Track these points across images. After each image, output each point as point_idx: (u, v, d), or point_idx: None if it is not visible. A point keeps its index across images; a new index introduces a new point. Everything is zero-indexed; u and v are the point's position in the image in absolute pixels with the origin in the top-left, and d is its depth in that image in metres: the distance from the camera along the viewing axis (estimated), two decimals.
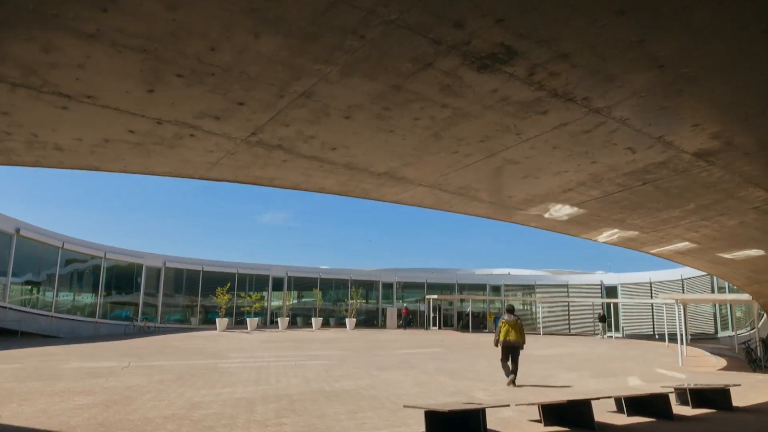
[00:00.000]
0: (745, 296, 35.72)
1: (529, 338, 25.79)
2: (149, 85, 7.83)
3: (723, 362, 36.11)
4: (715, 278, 51.08)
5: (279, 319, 63.89)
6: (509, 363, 23.75)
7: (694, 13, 6.20)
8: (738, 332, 47.52)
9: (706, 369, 32.80)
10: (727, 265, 25.52)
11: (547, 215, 15.68)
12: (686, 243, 19.56)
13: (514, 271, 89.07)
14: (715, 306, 55.58)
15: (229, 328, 58.16)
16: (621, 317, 67.85)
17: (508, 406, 16.79)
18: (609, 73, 7.62)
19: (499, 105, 8.72)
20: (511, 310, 24.53)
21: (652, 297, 63.66)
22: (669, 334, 50.05)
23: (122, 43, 6.66)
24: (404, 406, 16.97)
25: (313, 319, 65.47)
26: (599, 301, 68.91)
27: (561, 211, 15.41)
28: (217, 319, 57.78)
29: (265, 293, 68.71)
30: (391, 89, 8.15)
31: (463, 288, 78.71)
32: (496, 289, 78.40)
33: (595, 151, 10.92)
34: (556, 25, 6.44)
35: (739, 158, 11.21)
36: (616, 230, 18.17)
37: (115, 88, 7.88)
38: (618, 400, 18.31)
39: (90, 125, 9.30)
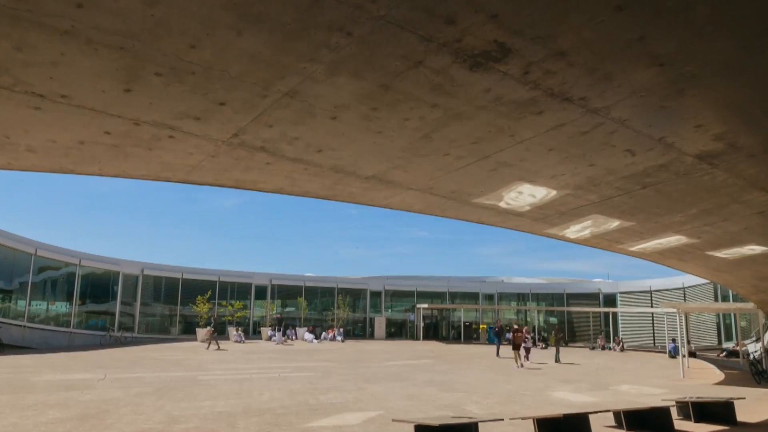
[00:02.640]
0: (750, 305, 35.78)
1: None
2: (126, 85, 7.79)
3: (726, 374, 36.20)
4: (718, 287, 51.12)
5: (262, 329, 63.79)
6: None
7: (696, 9, 6.20)
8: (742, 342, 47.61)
9: (709, 381, 32.88)
10: (732, 273, 25.52)
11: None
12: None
13: (508, 279, 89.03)
14: (718, 316, 55.62)
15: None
16: (620, 327, 67.82)
17: (502, 420, 16.82)
18: (607, 72, 7.62)
19: (493, 105, 8.71)
20: None
21: (652, 306, 63.68)
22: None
23: (98, 41, 6.63)
24: (393, 420, 16.97)
25: (297, 329, 65.33)
26: (597, 309, 68.94)
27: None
28: (197, 329, 57.61)
29: (247, 302, 68.54)
30: (379, 88, 8.13)
31: (454, 296, 78.59)
32: (489, 298, 78.31)
33: (593, 153, 10.92)
34: (552, 22, 6.44)
35: (743, 160, 11.22)
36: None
37: (91, 87, 7.85)
38: (617, 414, 18.36)
39: (64, 126, 9.26)
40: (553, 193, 13.63)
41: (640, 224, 16.47)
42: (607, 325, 66.72)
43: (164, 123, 9.16)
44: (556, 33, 6.62)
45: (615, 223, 16.70)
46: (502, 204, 14.61)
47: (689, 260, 22.78)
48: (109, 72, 7.38)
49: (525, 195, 13.86)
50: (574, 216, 15.81)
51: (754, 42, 6.80)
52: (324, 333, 65.99)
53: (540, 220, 16.63)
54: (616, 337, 63.24)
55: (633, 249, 20.69)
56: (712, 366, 40.72)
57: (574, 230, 17.83)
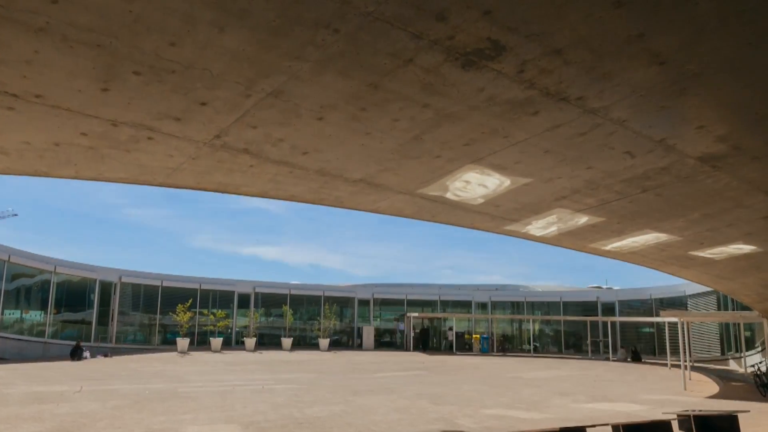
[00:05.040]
0: (754, 314, 35.81)
1: (518, 360, 25.71)
2: (103, 84, 7.77)
3: (730, 386, 36.25)
4: (721, 295, 51.07)
5: (245, 339, 63.50)
6: None
7: (698, 5, 6.20)
8: (747, 354, 47.53)
9: (711, 394, 32.91)
10: (736, 280, 25.54)
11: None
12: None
13: (502, 286, 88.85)
14: (721, 326, 55.54)
15: (190, 348, 57.79)
16: (619, 336, 67.71)
17: None
18: (605, 71, 7.63)
19: (486, 105, 8.71)
20: None
21: (653, 314, 63.55)
22: (671, 356, 50.12)
23: (74, 38, 6.61)
24: None
25: (282, 339, 65.16)
26: (596, 318, 68.78)
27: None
28: (178, 339, 57.31)
29: (230, 311, 68.17)
30: (367, 88, 8.13)
31: (446, 305, 78.38)
32: (482, 306, 78.09)
33: (591, 155, 10.92)
34: (548, 18, 6.44)
35: (747, 163, 11.24)
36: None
37: (67, 86, 7.83)
38: (615, 428, 18.33)
39: (39, 127, 9.23)
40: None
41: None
42: (606, 335, 66.49)
43: (143, 124, 9.13)
44: (552, 30, 6.62)
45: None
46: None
47: (691, 267, 22.79)
48: (85, 70, 7.36)
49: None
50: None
51: (761, 38, 6.81)
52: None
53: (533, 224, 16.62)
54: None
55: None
56: (714, 378, 40.74)
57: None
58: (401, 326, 75.03)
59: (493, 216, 15.64)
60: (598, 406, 26.50)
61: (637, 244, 19.30)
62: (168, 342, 61.02)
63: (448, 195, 13.80)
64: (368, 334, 71.22)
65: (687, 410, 21.12)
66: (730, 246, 18.96)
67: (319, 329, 68.78)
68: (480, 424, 20.62)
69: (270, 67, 7.46)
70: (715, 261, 21.07)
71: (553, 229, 17.34)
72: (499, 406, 25.12)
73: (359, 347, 70.57)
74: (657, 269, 24.28)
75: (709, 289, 46.39)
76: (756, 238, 17.06)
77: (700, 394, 32.14)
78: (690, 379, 36.78)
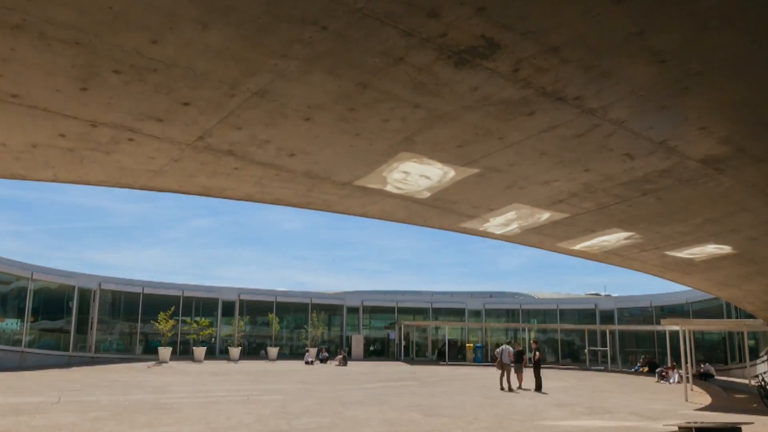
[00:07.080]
0: (759, 322, 35.80)
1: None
2: (82, 83, 7.74)
3: (733, 397, 36.25)
4: (724, 303, 51.01)
5: (230, 348, 63.29)
6: None
7: (699, 1, 6.20)
8: (751, 363, 47.46)
9: (714, 405, 32.91)
10: (739, 287, 25.51)
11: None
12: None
13: (496, 293, 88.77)
14: (724, 334, 55.49)
15: (173, 358, 57.60)
16: (618, 345, 67.67)
17: None
18: (604, 70, 7.62)
19: (480, 105, 8.70)
20: None
21: (654, 323, 63.47)
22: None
23: (52, 35, 6.59)
24: None
25: (268, 349, 65.00)
26: (594, 327, 68.73)
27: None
28: (160, 348, 57.12)
29: (213, 319, 67.92)
30: (356, 87, 8.11)
31: (438, 312, 78.29)
32: (476, 314, 78.01)
33: (589, 157, 10.91)
34: (545, 15, 6.43)
35: (751, 165, 11.21)
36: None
37: (44, 85, 7.80)
38: None
39: (15, 128, 9.20)
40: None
41: (639, 234, 16.19)
42: (604, 344, 66.44)
43: (124, 125, 9.11)
44: (549, 27, 6.61)
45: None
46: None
47: (693, 273, 22.76)
48: (63, 69, 7.34)
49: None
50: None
51: (764, 37, 6.81)
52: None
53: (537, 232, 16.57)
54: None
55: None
56: (717, 389, 40.75)
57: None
58: (392, 335, 74.98)
59: (487, 220, 15.59)
60: (597, 417, 26.50)
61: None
62: (149, 351, 60.87)
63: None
64: (357, 344, 71.12)
65: (689, 422, 21.16)
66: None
67: (306, 338, 68.65)
68: None
69: (255, 66, 7.45)
70: (717, 267, 21.05)
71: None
72: (493, 417, 25.10)
73: (348, 356, 70.48)
74: (657, 275, 24.26)
75: (711, 296, 46.41)
76: (759, 243, 17.05)
77: (701, 406, 32.18)
78: (692, 390, 36.80)
